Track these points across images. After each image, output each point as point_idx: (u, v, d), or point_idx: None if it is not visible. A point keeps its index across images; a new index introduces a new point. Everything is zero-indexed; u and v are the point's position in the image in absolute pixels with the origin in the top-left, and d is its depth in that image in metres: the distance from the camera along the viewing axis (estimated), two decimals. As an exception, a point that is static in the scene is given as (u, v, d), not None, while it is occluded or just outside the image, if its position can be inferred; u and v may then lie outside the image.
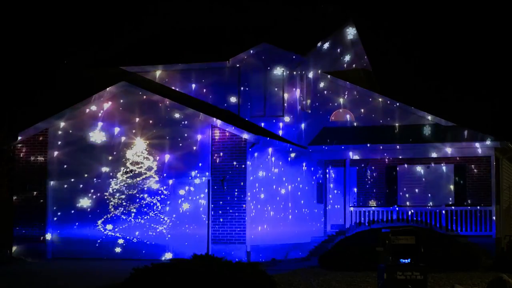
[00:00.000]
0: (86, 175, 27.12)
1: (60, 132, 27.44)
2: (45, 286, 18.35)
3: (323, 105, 31.79)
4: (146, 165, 26.59)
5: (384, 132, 30.76)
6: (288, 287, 17.82)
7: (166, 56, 32.07)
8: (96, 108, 27.22)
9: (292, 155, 29.18)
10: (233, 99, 30.15)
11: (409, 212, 29.48)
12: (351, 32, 34.94)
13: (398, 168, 31.27)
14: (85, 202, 27.05)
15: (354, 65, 35.66)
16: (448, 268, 21.74)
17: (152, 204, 26.53)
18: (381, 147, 29.82)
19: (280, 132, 29.51)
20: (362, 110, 31.52)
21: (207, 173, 26.09)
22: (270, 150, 27.38)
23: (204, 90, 30.34)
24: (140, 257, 25.68)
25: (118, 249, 26.60)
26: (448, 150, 29.42)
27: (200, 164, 26.17)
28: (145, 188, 26.58)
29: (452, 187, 30.64)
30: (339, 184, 31.70)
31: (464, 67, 51.75)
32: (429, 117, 30.74)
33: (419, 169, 31.06)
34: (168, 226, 26.37)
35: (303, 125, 30.24)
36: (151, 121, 26.75)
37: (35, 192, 27.41)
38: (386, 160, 31.07)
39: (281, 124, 29.64)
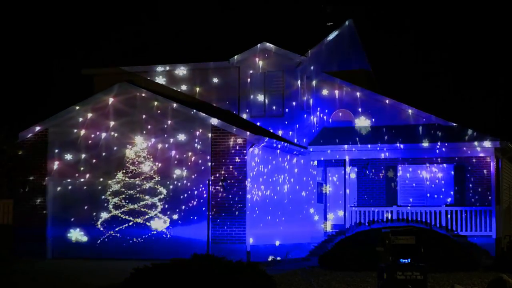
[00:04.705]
0: (86, 175, 27.13)
1: (60, 132, 27.44)
2: (45, 286, 18.36)
3: (323, 105, 31.79)
4: (146, 165, 26.59)
5: (384, 132, 30.76)
6: (288, 287, 17.81)
7: (166, 56, 32.06)
8: (96, 108, 27.22)
9: (292, 155, 29.17)
10: (233, 99, 30.12)
11: (409, 212, 29.48)
12: (351, 32, 34.94)
13: (398, 168, 31.25)
14: (85, 202, 27.05)
15: (354, 65, 35.64)
16: (448, 268, 21.73)
17: (152, 204, 26.53)
18: (381, 147, 29.87)
19: (280, 132, 29.49)
20: (362, 110, 31.52)
21: (207, 173, 26.08)
22: (269, 150, 27.37)
23: (204, 90, 30.31)
24: (140, 257, 25.65)
25: (118, 249, 26.60)
26: (448, 150, 29.42)
27: (199, 164, 26.15)
28: (145, 188, 26.58)
29: (452, 187, 30.63)
30: (339, 184, 31.70)
31: (465, 67, 51.75)
32: (429, 117, 30.73)
33: (419, 169, 31.05)
34: (167, 226, 26.37)
35: (303, 125, 30.22)
36: (151, 121, 26.76)
37: (35, 192, 27.42)
38: (386, 160, 31.05)
39: (281, 124, 29.62)
